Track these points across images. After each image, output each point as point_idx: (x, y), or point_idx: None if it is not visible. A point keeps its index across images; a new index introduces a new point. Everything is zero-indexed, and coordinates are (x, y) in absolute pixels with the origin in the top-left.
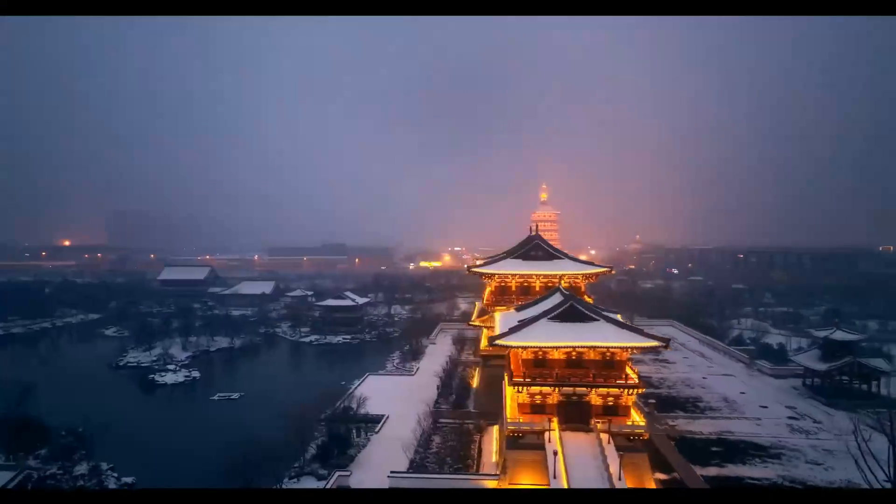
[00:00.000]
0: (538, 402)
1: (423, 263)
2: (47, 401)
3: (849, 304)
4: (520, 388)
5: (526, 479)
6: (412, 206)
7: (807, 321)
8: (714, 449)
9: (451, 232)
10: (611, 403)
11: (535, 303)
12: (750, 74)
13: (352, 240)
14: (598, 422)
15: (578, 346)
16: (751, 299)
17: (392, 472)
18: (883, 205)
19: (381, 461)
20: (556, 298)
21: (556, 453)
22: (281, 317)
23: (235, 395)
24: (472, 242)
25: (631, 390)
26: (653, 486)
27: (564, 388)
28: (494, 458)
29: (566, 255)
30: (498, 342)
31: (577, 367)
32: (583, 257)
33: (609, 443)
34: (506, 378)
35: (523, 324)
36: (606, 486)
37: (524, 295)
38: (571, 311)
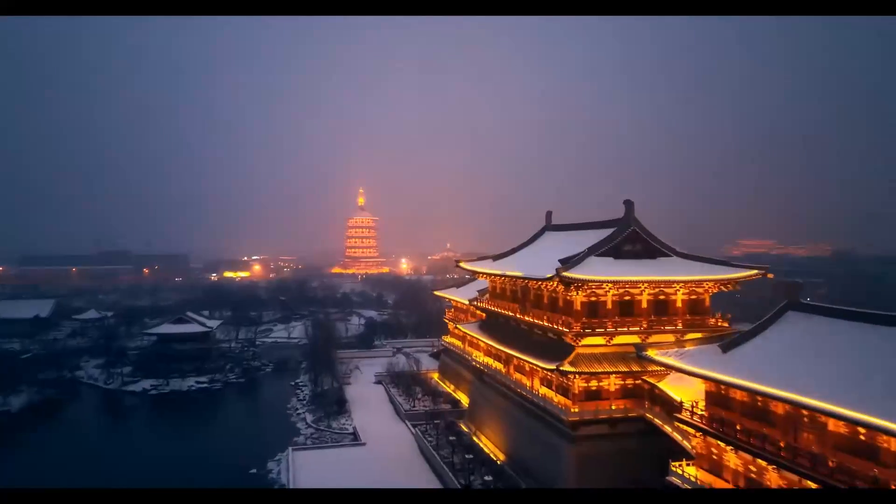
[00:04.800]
0: None
1: (227, 274)
2: None
3: None
4: None
5: None
6: (207, 212)
7: None
8: None
9: (253, 240)
10: None
11: (758, 330)
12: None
13: (138, 247)
14: None
15: None
16: None
17: None
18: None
19: None
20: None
21: None
22: (78, 351)
23: None
24: (275, 251)
25: None
26: None
27: None
28: None
29: (675, 251)
30: None
31: None
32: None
33: None
34: None
35: None
36: None
37: (625, 315)
38: None
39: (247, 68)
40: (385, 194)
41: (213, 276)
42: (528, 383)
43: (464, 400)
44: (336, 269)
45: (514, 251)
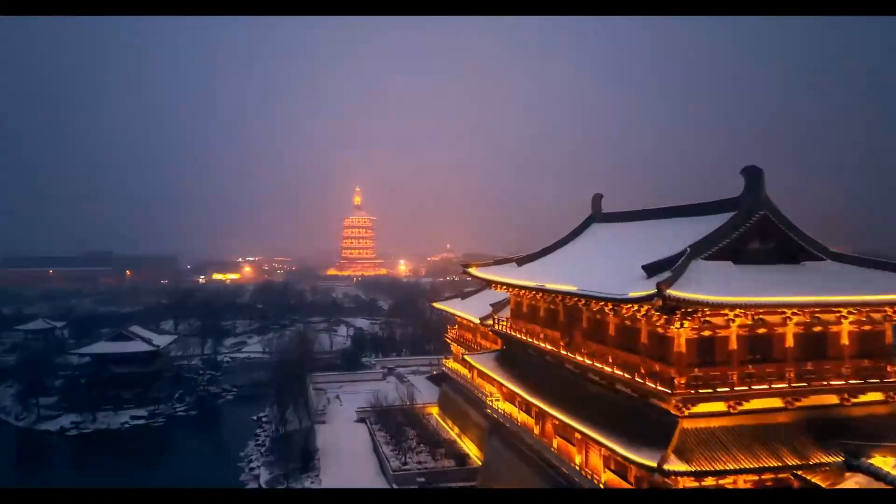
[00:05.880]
0: None
1: (216, 276)
2: None
3: None
4: None
5: None
6: (205, 212)
7: None
8: None
9: (251, 241)
10: None
11: None
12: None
13: (126, 248)
14: None
15: None
16: None
17: None
18: None
19: None
20: None
21: None
22: (4, 372)
23: None
24: (272, 252)
25: None
26: None
27: None
28: None
29: (826, 250)
30: None
31: None
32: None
33: None
34: None
35: None
36: None
37: (757, 361)
38: None
39: (246, 68)
40: (384, 194)
41: (201, 279)
42: (579, 459)
43: (472, 451)
44: (331, 271)
45: (548, 251)
